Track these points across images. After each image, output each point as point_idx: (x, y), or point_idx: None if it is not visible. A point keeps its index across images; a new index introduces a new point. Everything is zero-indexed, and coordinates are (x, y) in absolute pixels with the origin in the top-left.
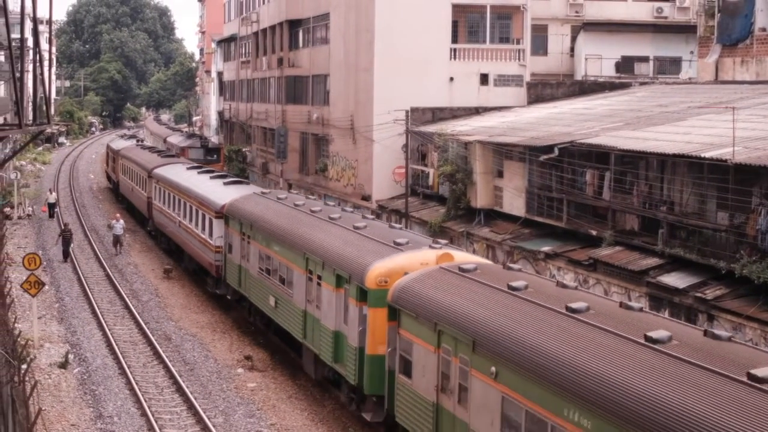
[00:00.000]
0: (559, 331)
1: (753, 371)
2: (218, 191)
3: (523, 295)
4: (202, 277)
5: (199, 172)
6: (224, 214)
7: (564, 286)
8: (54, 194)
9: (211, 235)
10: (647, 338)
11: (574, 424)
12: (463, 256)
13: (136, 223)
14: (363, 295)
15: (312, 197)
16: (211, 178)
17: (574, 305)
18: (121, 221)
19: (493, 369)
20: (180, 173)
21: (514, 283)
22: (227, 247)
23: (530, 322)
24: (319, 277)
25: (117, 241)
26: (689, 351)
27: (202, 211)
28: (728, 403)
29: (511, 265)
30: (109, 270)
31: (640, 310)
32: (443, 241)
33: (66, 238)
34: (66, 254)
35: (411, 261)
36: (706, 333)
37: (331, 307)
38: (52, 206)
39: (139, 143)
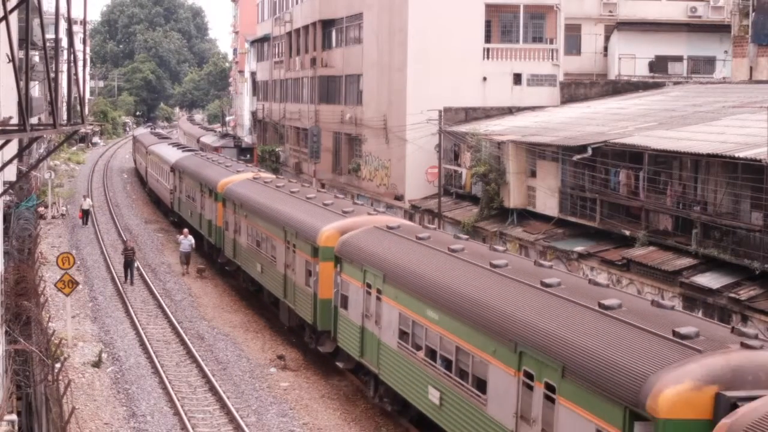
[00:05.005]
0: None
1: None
2: (175, 155)
3: (270, 185)
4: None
5: (172, 147)
6: (173, 167)
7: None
8: (89, 200)
9: (168, 181)
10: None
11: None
12: (268, 176)
13: (160, 213)
14: (216, 196)
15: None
16: (176, 148)
17: (293, 188)
18: (190, 237)
19: (246, 215)
20: (162, 148)
21: (280, 184)
22: (175, 188)
23: (268, 195)
24: (203, 192)
25: (185, 259)
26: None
27: (164, 167)
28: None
29: (292, 181)
30: (142, 270)
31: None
32: (264, 171)
33: (128, 258)
34: (128, 276)
35: (240, 177)
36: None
37: (207, 207)
38: (86, 212)
39: (152, 131)
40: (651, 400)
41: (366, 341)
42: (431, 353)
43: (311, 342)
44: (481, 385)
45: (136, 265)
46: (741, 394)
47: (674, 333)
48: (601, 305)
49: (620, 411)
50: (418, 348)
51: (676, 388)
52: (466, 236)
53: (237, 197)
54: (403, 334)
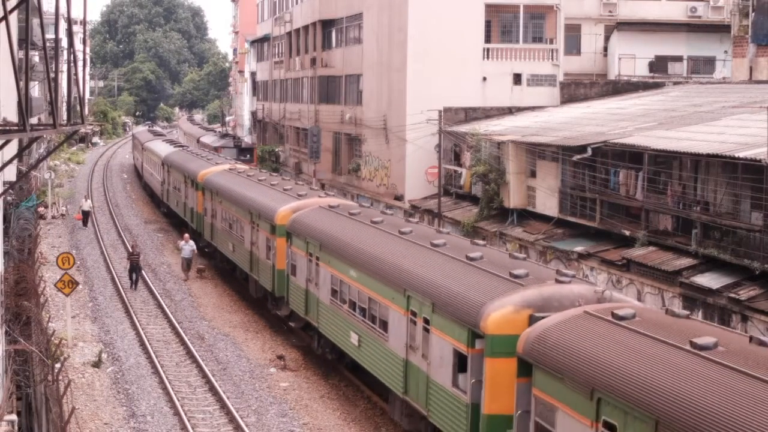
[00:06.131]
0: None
1: (402, 228)
2: (166, 150)
3: (242, 175)
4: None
5: (165, 143)
6: (164, 162)
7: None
8: (89, 201)
9: (159, 175)
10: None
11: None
12: (242, 167)
13: (152, 210)
14: (197, 186)
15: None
16: (168, 145)
17: (261, 177)
18: (191, 243)
19: (220, 202)
20: (156, 144)
21: (251, 173)
22: (164, 180)
23: (239, 183)
24: (187, 182)
25: (186, 265)
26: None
27: (156, 161)
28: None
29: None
30: (142, 270)
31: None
32: (240, 163)
33: (133, 262)
34: (134, 282)
35: (218, 169)
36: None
37: (190, 196)
38: (86, 214)
39: (149, 129)
40: (483, 322)
41: (309, 301)
42: (352, 305)
43: (273, 308)
44: (384, 325)
45: (141, 271)
46: (546, 314)
47: (510, 274)
48: (467, 257)
49: (465, 332)
50: (344, 302)
51: (500, 312)
52: (391, 212)
53: (214, 186)
54: (334, 292)
